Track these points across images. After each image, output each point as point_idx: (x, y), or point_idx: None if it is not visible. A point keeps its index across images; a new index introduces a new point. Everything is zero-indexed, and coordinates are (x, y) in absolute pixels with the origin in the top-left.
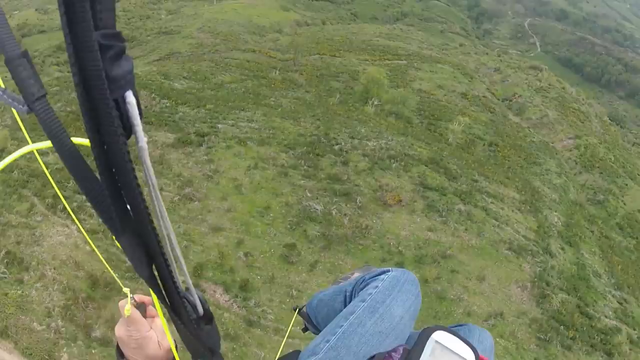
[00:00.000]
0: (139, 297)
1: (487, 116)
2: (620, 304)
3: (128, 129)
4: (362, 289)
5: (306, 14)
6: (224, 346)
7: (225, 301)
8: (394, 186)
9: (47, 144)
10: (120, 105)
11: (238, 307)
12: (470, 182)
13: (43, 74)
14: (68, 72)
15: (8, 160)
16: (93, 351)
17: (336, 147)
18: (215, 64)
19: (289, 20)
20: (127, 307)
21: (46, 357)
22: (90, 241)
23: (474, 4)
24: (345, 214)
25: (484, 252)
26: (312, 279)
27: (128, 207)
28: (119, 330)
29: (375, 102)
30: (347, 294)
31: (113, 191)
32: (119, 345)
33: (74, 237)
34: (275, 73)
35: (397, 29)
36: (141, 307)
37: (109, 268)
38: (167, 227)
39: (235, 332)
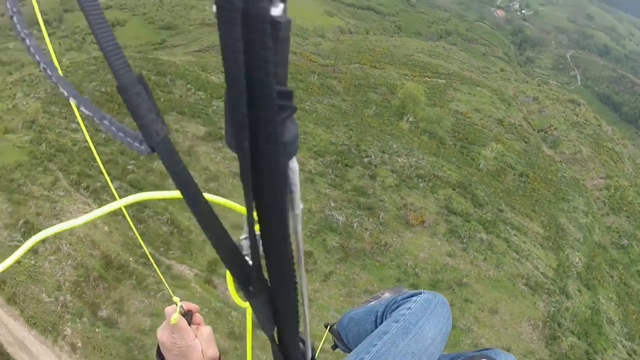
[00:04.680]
0: (186, 304)
1: (521, 145)
2: (630, 355)
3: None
4: (394, 310)
5: (350, 21)
6: (227, 344)
7: None
8: (419, 206)
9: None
10: (285, 171)
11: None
12: (496, 211)
13: (82, 52)
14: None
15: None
16: (97, 330)
17: (366, 160)
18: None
19: (333, 26)
20: (174, 315)
21: (50, 328)
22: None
23: (518, 29)
24: (366, 229)
25: (500, 285)
26: (325, 290)
27: (266, 272)
28: (162, 336)
29: (411, 119)
30: (379, 314)
31: (255, 254)
32: (160, 349)
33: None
34: (314, 78)
35: (440, 46)
36: (187, 314)
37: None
38: (303, 290)
39: (241, 332)
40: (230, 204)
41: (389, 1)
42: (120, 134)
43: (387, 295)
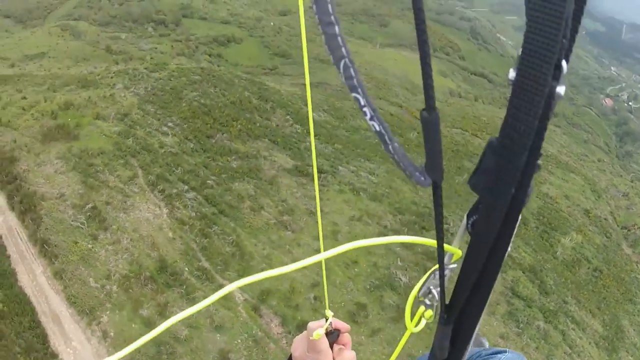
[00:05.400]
0: (337, 322)
1: (602, 240)
2: None
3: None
4: None
5: (462, 85)
6: None
7: (278, 333)
8: None
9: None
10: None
11: (287, 343)
12: (560, 301)
13: (192, 59)
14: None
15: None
16: (133, 325)
17: (444, 227)
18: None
19: (444, 87)
20: (318, 331)
21: (87, 311)
22: None
23: (622, 121)
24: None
25: None
26: (369, 346)
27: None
28: (297, 349)
29: None
30: None
31: (461, 291)
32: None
33: (162, 219)
34: (413, 135)
35: None
36: (334, 333)
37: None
38: (478, 321)
39: None
40: (450, 248)
41: (502, 72)
42: (404, 161)
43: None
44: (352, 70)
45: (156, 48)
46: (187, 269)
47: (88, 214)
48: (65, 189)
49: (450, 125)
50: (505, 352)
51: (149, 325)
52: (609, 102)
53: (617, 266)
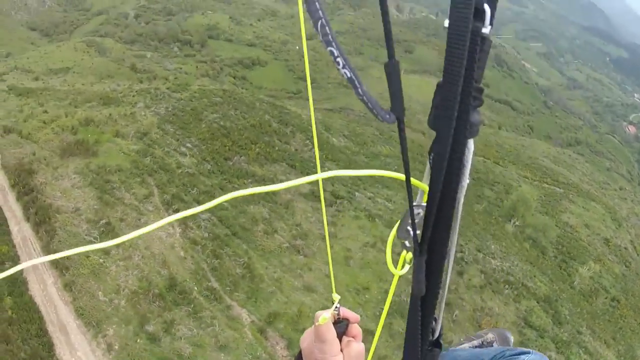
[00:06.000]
0: (344, 311)
1: (621, 269)
2: None
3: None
4: None
5: (485, 113)
6: None
7: (283, 356)
8: (496, 312)
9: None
10: (463, 148)
11: None
12: (574, 332)
13: (216, 81)
14: (242, 87)
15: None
16: (138, 340)
17: (459, 255)
18: (380, 133)
19: None
20: (325, 315)
21: (94, 323)
22: None
23: None
24: None
25: None
26: None
27: (430, 236)
28: (305, 340)
29: (517, 223)
30: None
31: (428, 221)
32: (302, 356)
33: (175, 238)
34: None
35: (566, 154)
36: (342, 324)
37: None
38: (450, 259)
39: None
40: (416, 182)
41: (527, 99)
42: (372, 102)
43: (490, 335)
44: (327, 29)
45: (181, 68)
46: (196, 288)
47: (102, 229)
48: (81, 204)
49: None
50: (529, 353)
51: (154, 340)
52: (632, 129)
53: (635, 296)
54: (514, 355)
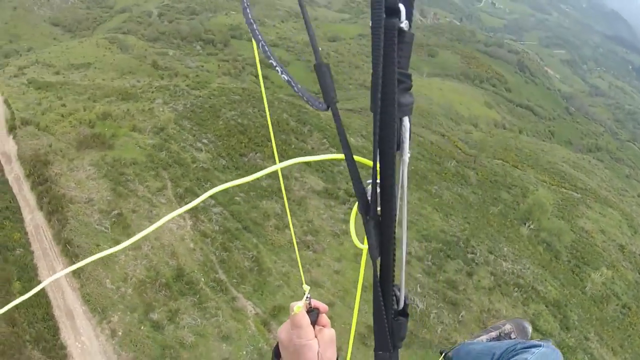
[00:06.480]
0: (315, 301)
1: (634, 276)
2: None
3: (398, 144)
4: (511, 357)
5: (507, 117)
6: None
7: None
8: (503, 315)
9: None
10: (398, 126)
11: None
12: (581, 338)
13: (237, 80)
14: (266, 87)
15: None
16: (142, 327)
17: (469, 256)
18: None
19: (489, 117)
20: (298, 305)
21: (99, 309)
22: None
23: None
24: (442, 322)
25: None
26: None
27: (379, 206)
28: (282, 331)
29: (532, 226)
30: (495, 357)
31: (375, 191)
32: (279, 347)
33: (185, 230)
34: (451, 164)
35: (586, 160)
36: (313, 313)
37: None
38: (403, 229)
39: None
40: (361, 159)
41: (548, 105)
42: (307, 95)
43: (508, 326)
44: (266, 48)
45: (202, 66)
46: (203, 279)
47: (113, 219)
48: (95, 195)
49: (491, 156)
50: (540, 346)
51: (157, 328)
52: None
53: None
54: (525, 348)
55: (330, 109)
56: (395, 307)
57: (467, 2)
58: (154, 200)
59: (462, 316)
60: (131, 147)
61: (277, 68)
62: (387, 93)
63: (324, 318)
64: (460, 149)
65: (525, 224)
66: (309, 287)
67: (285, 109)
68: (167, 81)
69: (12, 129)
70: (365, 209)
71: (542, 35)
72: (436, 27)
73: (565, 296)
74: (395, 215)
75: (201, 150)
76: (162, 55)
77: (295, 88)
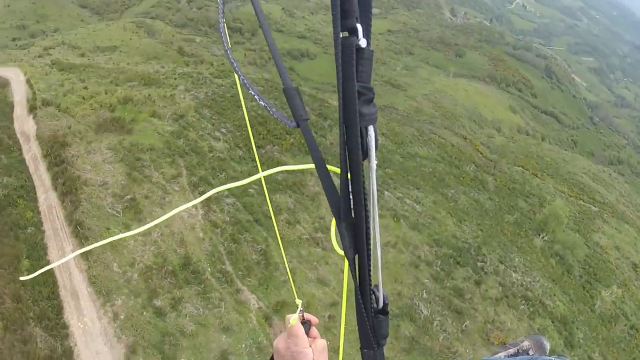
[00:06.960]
0: (307, 315)
1: None
2: None
3: (365, 152)
4: None
5: (530, 123)
6: None
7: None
8: (508, 328)
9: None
10: (364, 135)
11: None
12: (585, 357)
13: (263, 70)
14: (291, 79)
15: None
16: (144, 313)
17: (479, 264)
18: (419, 134)
19: (512, 122)
20: (293, 317)
21: (104, 292)
22: None
23: None
24: (444, 330)
25: None
26: None
27: (352, 208)
28: (279, 343)
29: (546, 238)
30: None
31: (346, 196)
32: (275, 357)
33: (196, 219)
34: (470, 168)
35: (606, 172)
36: (306, 324)
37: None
38: (376, 232)
39: None
40: (331, 168)
41: (573, 113)
42: (279, 115)
43: (526, 343)
44: (243, 77)
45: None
46: (209, 269)
47: (126, 204)
48: (109, 178)
49: (512, 162)
50: None
51: (159, 315)
52: None
53: None
54: None
55: (299, 126)
56: (375, 305)
57: (498, 3)
58: (167, 188)
59: (465, 326)
60: (150, 132)
61: (255, 96)
62: (347, 105)
63: (314, 331)
64: (481, 153)
65: (539, 234)
66: (301, 301)
67: (307, 103)
68: (192, 68)
69: (32, 109)
70: (337, 213)
71: (571, 41)
72: (466, 27)
73: (573, 312)
74: (369, 217)
75: (219, 139)
76: (189, 42)
77: (271, 111)
